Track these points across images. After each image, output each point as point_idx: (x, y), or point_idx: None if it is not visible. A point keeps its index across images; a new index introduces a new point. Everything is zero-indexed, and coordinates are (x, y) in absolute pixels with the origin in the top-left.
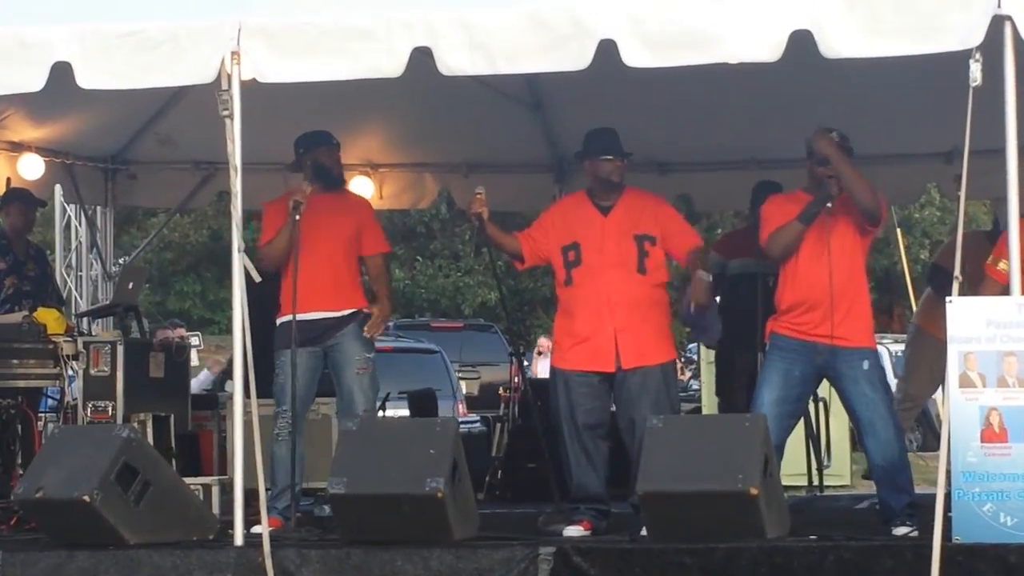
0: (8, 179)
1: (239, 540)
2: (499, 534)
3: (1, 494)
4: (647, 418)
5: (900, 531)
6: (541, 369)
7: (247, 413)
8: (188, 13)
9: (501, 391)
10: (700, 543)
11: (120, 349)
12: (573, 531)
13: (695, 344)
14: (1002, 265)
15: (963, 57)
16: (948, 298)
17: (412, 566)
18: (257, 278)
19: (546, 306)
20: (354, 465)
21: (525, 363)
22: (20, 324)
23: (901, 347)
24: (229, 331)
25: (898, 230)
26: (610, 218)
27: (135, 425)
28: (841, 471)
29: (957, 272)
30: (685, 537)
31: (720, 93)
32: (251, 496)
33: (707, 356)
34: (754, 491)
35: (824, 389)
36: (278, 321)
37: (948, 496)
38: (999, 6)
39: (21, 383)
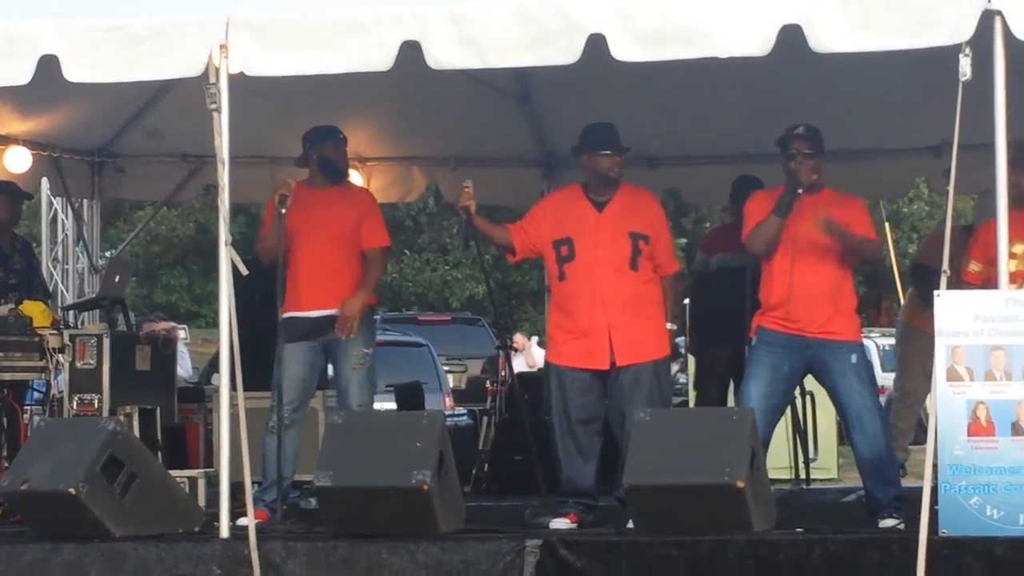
0: None
1: (225, 533)
2: (485, 527)
3: None
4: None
5: (887, 523)
6: (516, 365)
7: (233, 406)
8: (176, 7)
9: (488, 384)
10: (687, 536)
11: (106, 342)
12: (560, 524)
13: (682, 338)
14: (972, 267)
15: (953, 51)
16: (936, 292)
17: (398, 559)
18: (244, 271)
19: (534, 300)
20: (341, 458)
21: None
22: (6, 317)
23: (889, 341)
24: (216, 324)
25: (886, 224)
26: (605, 214)
27: (121, 418)
28: (828, 464)
29: (945, 266)
30: (672, 530)
31: (709, 88)
32: (237, 489)
33: None
34: (741, 484)
35: (811, 383)
36: (281, 316)
37: (935, 489)
38: (989, 1)
39: (7, 376)
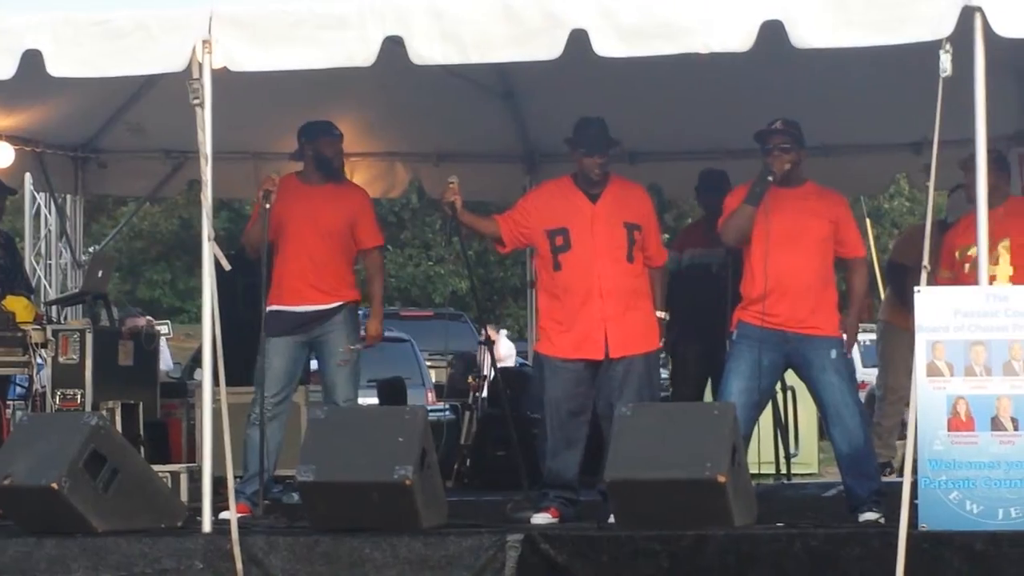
0: None
1: (207, 527)
2: (467, 522)
3: None
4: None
5: (867, 518)
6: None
7: (216, 401)
8: (159, 2)
9: (470, 379)
10: (668, 530)
11: (89, 337)
12: (541, 519)
13: None
14: (943, 274)
15: (933, 48)
16: (916, 288)
17: (380, 554)
18: (227, 266)
19: (516, 295)
20: (323, 453)
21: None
22: None
23: (870, 336)
24: (198, 320)
25: (867, 220)
26: (599, 205)
27: (104, 413)
28: (808, 459)
29: (925, 261)
30: (653, 524)
31: (691, 83)
32: (219, 483)
33: None
34: (722, 479)
35: (792, 378)
36: (266, 309)
37: (915, 484)
38: None
39: None
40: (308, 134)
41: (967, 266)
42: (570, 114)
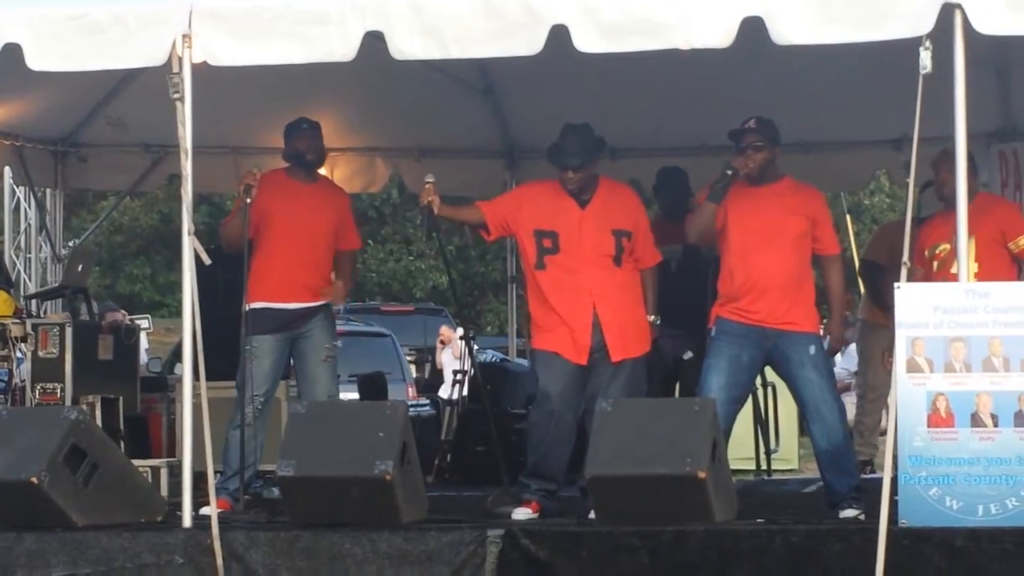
0: None
1: (187, 522)
2: (448, 517)
3: None
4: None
5: (847, 514)
6: (444, 358)
7: (196, 396)
8: None
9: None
10: (648, 526)
11: (69, 331)
12: (521, 513)
13: None
14: (917, 271)
15: (913, 44)
16: (896, 284)
17: (360, 549)
18: (207, 261)
19: (496, 290)
20: (303, 448)
21: (475, 347)
22: None
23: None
24: (179, 314)
25: (847, 217)
26: (588, 211)
27: (84, 407)
28: (789, 456)
29: (905, 257)
30: (633, 520)
31: (671, 79)
32: (200, 479)
33: None
34: (702, 474)
35: (773, 374)
36: (248, 306)
37: (895, 480)
38: None
39: None
40: (286, 133)
41: (936, 264)
42: (551, 110)
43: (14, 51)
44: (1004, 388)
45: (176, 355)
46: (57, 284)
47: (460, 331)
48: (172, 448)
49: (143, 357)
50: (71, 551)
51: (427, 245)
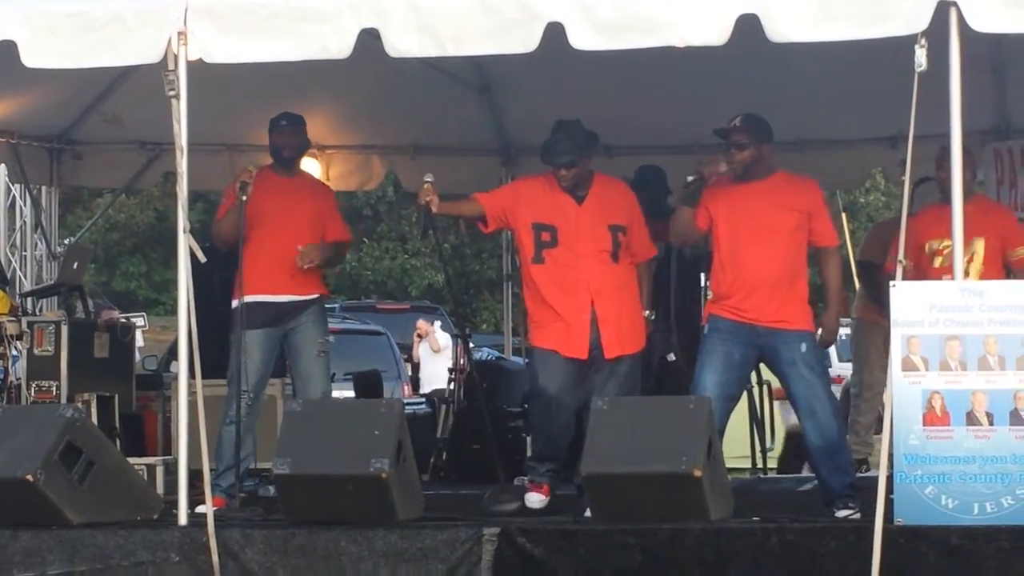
0: None
1: (183, 520)
2: (444, 515)
3: None
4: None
5: (843, 513)
6: (422, 351)
7: (192, 393)
8: None
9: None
10: (644, 524)
11: (64, 329)
12: (534, 498)
13: None
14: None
15: (909, 42)
16: (892, 282)
17: (356, 547)
18: (202, 259)
19: (491, 288)
20: (299, 445)
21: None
22: None
23: (845, 331)
24: (174, 312)
25: (843, 215)
26: (585, 207)
27: (79, 405)
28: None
29: (901, 256)
30: (629, 518)
31: (667, 77)
32: (195, 476)
33: None
34: (698, 473)
35: (769, 372)
36: (235, 302)
37: (890, 478)
38: None
39: None
40: (268, 128)
41: (938, 260)
42: (547, 107)
43: (9, 48)
44: (999, 386)
45: (172, 353)
46: (53, 282)
47: (438, 324)
48: (168, 446)
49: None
50: (67, 549)
51: (423, 243)
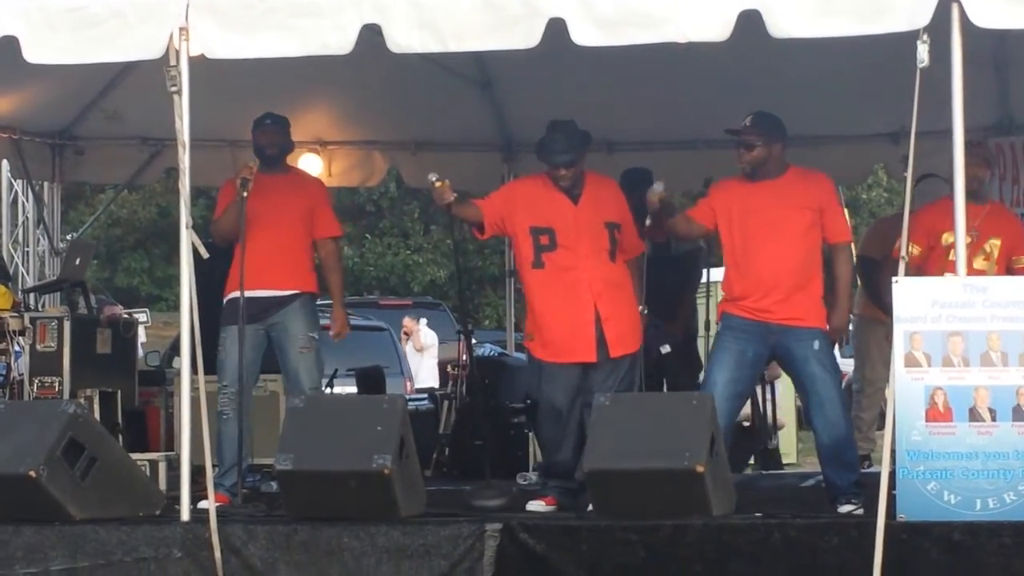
0: None
1: (186, 516)
2: (446, 511)
3: None
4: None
5: (845, 509)
6: (408, 350)
7: (194, 389)
8: None
9: (449, 369)
10: (646, 521)
11: (67, 325)
12: (536, 505)
13: None
14: (912, 250)
15: (910, 38)
16: (893, 278)
17: (359, 543)
18: (205, 255)
19: (494, 284)
20: (301, 442)
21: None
22: None
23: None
24: (177, 308)
25: (845, 211)
26: (581, 206)
27: (82, 401)
28: (787, 449)
29: (903, 252)
30: (631, 514)
31: (669, 73)
32: (198, 472)
33: None
34: (700, 469)
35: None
36: (225, 298)
37: (893, 474)
38: None
39: None
40: (252, 127)
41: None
42: (549, 104)
43: (11, 43)
44: (1002, 382)
45: (174, 349)
46: (55, 278)
47: (423, 321)
48: (170, 442)
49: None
50: (69, 544)
51: (425, 239)
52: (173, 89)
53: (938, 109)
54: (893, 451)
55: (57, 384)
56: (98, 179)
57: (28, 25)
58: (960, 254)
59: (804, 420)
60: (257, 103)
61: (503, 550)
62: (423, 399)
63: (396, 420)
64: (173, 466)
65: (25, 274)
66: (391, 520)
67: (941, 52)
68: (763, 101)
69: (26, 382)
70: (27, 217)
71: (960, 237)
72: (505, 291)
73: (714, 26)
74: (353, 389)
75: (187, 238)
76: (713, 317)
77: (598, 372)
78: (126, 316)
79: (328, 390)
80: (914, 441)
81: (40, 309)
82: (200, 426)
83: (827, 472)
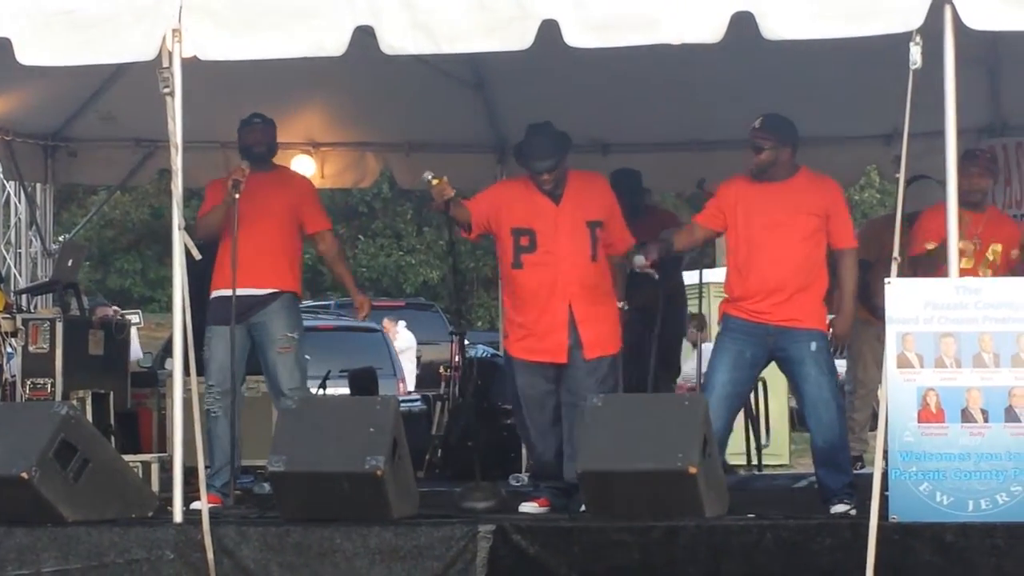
0: None
1: (178, 517)
2: (439, 512)
3: None
4: (587, 398)
5: (838, 510)
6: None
7: (187, 391)
8: None
9: (441, 370)
10: (639, 522)
11: (59, 326)
12: (529, 507)
13: None
14: (928, 245)
15: (903, 39)
16: (887, 279)
17: (351, 544)
18: (197, 256)
19: (487, 285)
20: (294, 443)
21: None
22: None
23: None
24: (169, 309)
25: None
26: (562, 207)
27: (74, 402)
28: (780, 451)
29: (896, 253)
30: (624, 515)
31: (662, 74)
32: (190, 474)
33: None
34: (693, 470)
35: (765, 371)
36: (210, 296)
37: (886, 475)
38: None
39: None
40: (239, 127)
41: (963, 260)
42: (542, 105)
43: (4, 45)
44: (994, 384)
45: (166, 350)
46: (47, 279)
47: (402, 323)
48: (162, 443)
49: (138, 354)
50: (61, 546)
51: (417, 240)
52: (166, 91)
53: (931, 110)
54: (886, 452)
55: (49, 385)
56: (91, 180)
57: (21, 27)
58: (952, 255)
59: (797, 421)
60: (250, 105)
61: (496, 552)
62: (416, 400)
63: (389, 421)
64: (165, 468)
65: (17, 275)
66: (384, 521)
67: (934, 54)
68: (756, 102)
69: (18, 384)
70: (19, 218)
71: (952, 239)
72: (498, 292)
73: (707, 28)
74: (346, 390)
75: (180, 239)
76: (714, 317)
77: (575, 372)
78: (119, 317)
79: (321, 391)
80: (906, 442)
81: (32, 310)
82: (193, 427)
83: (820, 473)
